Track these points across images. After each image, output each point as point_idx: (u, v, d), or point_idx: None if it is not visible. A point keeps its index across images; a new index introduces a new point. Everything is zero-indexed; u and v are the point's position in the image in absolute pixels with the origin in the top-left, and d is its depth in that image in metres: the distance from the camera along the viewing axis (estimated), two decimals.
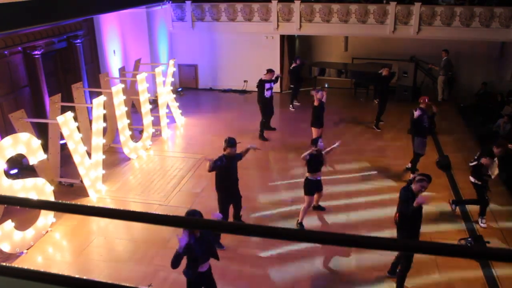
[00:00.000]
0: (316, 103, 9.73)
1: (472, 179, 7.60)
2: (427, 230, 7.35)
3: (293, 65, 13.46)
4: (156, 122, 11.38)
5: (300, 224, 7.50)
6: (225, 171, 6.75)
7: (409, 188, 5.66)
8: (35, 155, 7.13)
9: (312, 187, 7.32)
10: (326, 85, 15.88)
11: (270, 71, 11.17)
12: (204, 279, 5.04)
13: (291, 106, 13.70)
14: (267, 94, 11.03)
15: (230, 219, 7.31)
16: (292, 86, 13.59)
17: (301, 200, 7.61)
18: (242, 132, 11.80)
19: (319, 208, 7.96)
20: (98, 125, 8.65)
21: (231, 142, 6.78)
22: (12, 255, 6.73)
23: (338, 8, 13.93)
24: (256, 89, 11.23)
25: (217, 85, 15.97)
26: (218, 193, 7.02)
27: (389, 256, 6.53)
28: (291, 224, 7.56)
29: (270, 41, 14.97)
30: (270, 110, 11.48)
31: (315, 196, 7.60)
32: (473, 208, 7.92)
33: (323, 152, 7.28)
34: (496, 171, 7.45)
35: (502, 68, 15.06)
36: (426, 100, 8.90)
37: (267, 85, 10.96)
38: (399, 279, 5.84)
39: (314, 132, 9.87)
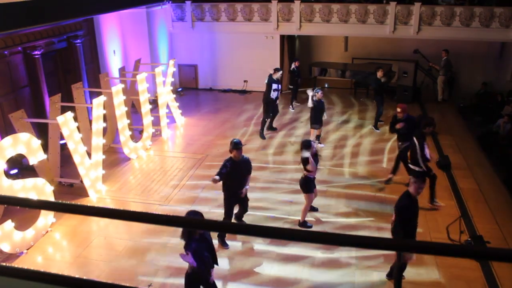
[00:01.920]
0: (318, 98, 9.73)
1: (417, 168, 7.63)
2: (427, 229, 7.37)
3: (293, 66, 13.44)
4: (156, 122, 11.38)
5: (304, 223, 7.47)
6: (232, 172, 6.68)
7: (409, 193, 5.54)
8: (35, 155, 7.13)
9: (312, 184, 7.31)
10: (326, 85, 15.88)
11: (277, 70, 11.17)
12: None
13: (291, 106, 13.65)
14: (273, 94, 10.96)
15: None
16: (291, 86, 13.52)
17: (300, 200, 7.62)
18: (242, 132, 11.82)
19: (312, 209, 7.88)
20: (98, 125, 8.65)
21: (236, 144, 6.73)
22: (12, 255, 6.73)
23: (338, 8, 13.93)
24: (265, 87, 11.13)
25: (217, 85, 15.98)
26: (224, 193, 6.97)
27: (389, 256, 6.53)
28: (290, 224, 7.55)
29: (270, 41, 14.98)
30: (275, 110, 11.48)
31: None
32: (472, 208, 7.93)
33: (318, 153, 7.37)
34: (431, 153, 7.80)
35: (502, 68, 15.06)
36: (403, 108, 8.58)
37: (274, 86, 10.87)
38: (396, 280, 5.84)
39: (313, 132, 9.87)
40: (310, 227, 7.50)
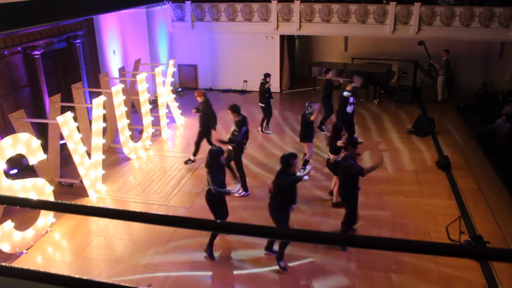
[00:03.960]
0: (313, 118, 8.60)
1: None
2: (427, 229, 7.37)
3: (268, 85, 11.23)
4: (156, 122, 11.38)
5: (338, 202, 7.68)
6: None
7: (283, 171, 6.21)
8: (35, 155, 7.12)
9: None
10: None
11: (350, 82, 9.85)
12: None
13: (260, 128, 11.59)
14: (349, 109, 9.71)
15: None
16: (262, 105, 11.33)
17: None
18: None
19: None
20: (98, 125, 8.65)
21: (354, 142, 6.55)
22: (12, 255, 6.73)
23: (338, 8, 13.93)
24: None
25: (217, 85, 15.98)
26: (349, 197, 6.70)
27: (388, 256, 6.54)
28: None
29: (270, 41, 14.98)
30: (352, 125, 10.11)
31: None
32: (472, 208, 7.93)
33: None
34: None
35: (502, 68, 15.06)
36: (199, 94, 9.39)
37: (351, 99, 9.68)
38: (281, 249, 6.44)
39: (307, 147, 8.99)
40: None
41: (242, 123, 8.01)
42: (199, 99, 9.43)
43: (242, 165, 8.26)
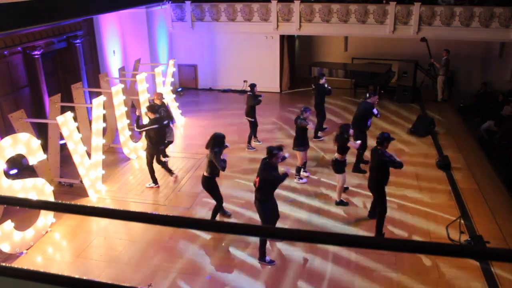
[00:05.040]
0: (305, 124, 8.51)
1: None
2: (427, 229, 7.37)
3: (259, 99, 10.34)
4: None
5: (341, 201, 8.13)
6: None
7: (267, 162, 6.40)
8: (35, 155, 7.12)
9: (343, 166, 7.94)
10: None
11: (373, 94, 9.32)
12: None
13: (249, 145, 10.70)
14: (369, 122, 9.20)
15: None
16: (252, 119, 10.50)
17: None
18: (242, 132, 11.80)
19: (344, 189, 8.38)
20: (98, 125, 8.65)
21: (388, 138, 7.00)
22: (12, 255, 6.73)
23: (338, 8, 13.93)
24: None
25: (217, 85, 15.98)
26: (382, 190, 7.03)
27: (388, 256, 6.54)
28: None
29: (270, 41, 14.98)
30: (366, 141, 9.37)
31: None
32: (472, 208, 7.93)
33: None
34: None
35: (502, 68, 15.06)
36: (158, 96, 9.50)
37: (375, 111, 9.04)
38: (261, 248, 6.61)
39: (299, 155, 8.83)
40: (347, 204, 8.14)
41: (158, 120, 8.63)
42: (159, 102, 9.28)
43: (152, 161, 8.78)
